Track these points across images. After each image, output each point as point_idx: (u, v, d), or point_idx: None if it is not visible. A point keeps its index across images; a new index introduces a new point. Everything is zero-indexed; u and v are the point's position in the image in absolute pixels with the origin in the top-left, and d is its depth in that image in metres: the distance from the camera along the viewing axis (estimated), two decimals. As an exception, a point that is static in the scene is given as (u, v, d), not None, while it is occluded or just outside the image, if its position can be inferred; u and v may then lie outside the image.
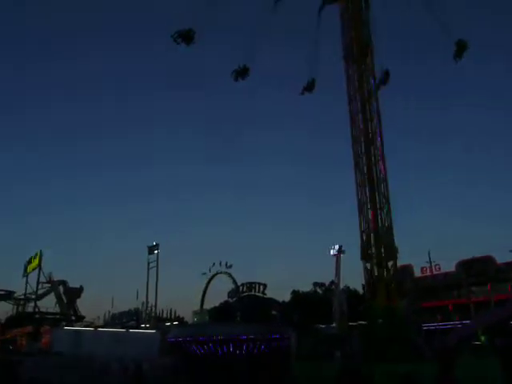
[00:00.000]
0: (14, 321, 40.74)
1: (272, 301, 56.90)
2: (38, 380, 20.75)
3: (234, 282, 57.58)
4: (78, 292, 49.32)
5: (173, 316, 60.32)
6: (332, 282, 62.06)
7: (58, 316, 45.87)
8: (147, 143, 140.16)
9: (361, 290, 53.28)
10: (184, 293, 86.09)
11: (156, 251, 53.98)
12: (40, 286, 47.30)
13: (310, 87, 37.98)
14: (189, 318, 65.80)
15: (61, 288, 48.84)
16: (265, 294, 54.39)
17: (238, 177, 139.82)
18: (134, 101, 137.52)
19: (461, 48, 32.11)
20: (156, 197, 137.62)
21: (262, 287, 54.35)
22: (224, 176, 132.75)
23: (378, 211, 33.34)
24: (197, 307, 62.51)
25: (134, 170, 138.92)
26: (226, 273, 58.93)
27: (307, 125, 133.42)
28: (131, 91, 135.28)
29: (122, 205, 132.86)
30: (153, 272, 52.83)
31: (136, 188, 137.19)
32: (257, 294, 54.50)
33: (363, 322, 37.49)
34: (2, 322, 42.83)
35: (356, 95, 35.54)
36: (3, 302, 47.22)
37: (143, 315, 53.42)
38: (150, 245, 54.74)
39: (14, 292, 47.92)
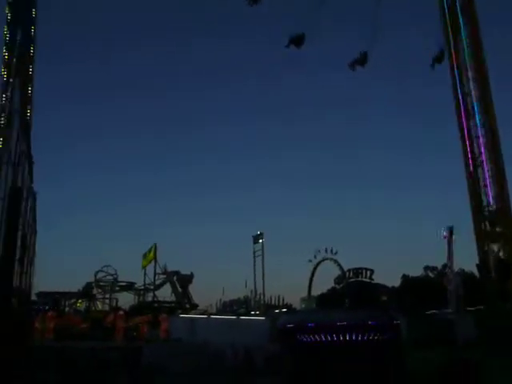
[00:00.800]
0: (136, 310, 43.94)
1: (380, 286, 55.47)
2: (158, 364, 22.15)
3: (341, 267, 56.98)
4: (189, 279, 52.15)
5: (281, 303, 61.22)
6: (445, 266, 58.91)
7: (173, 305, 48.78)
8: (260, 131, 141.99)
9: (476, 273, 49.94)
10: (290, 280, 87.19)
11: (261, 240, 55.21)
12: (157, 277, 50.51)
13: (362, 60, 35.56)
14: (297, 304, 66.44)
15: (175, 278, 51.84)
16: (372, 280, 53.16)
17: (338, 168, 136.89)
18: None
19: None
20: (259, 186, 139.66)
21: (369, 272, 53.23)
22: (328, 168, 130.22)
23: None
24: (304, 294, 62.90)
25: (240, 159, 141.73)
26: (331, 259, 58.50)
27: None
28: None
29: (225, 192, 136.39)
30: (259, 260, 54.09)
31: (240, 177, 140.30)
32: (364, 279, 53.44)
33: (482, 307, 35.13)
34: (126, 310, 46.24)
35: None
36: (125, 292, 51.14)
37: (252, 303, 54.88)
38: (255, 234, 56.14)
39: (135, 283, 51.65)
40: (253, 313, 50.59)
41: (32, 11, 22.95)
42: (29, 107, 24.15)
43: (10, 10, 23.03)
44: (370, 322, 14.74)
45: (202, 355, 23.59)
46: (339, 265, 57.17)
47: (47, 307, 38.34)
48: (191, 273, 52.78)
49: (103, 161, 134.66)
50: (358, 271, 53.80)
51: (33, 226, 21.81)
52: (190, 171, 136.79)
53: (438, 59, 36.06)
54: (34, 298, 36.15)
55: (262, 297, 54.72)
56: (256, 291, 54.65)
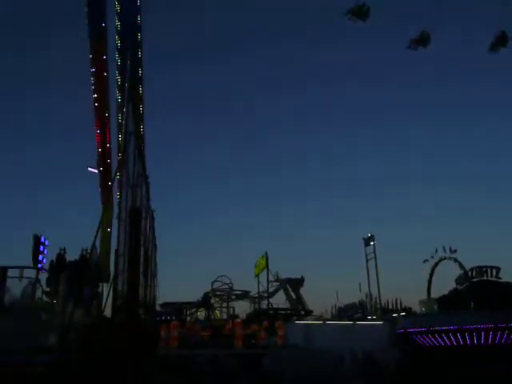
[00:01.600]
0: (252, 317, 44.96)
1: (510, 285, 51.06)
2: (278, 370, 22.47)
3: (462, 267, 53.44)
4: (300, 282, 52.30)
5: (398, 306, 58.88)
6: None
7: (289, 311, 49.16)
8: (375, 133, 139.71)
9: None
10: (406, 282, 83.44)
11: (372, 243, 53.87)
12: (270, 285, 51.32)
13: None
14: (415, 307, 63.48)
15: (288, 285, 52.33)
16: (499, 278, 49.07)
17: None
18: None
19: None
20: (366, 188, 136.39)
21: (494, 271, 49.22)
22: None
23: None
24: (422, 296, 59.81)
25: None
26: (450, 258, 55.11)
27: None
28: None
29: (329, 196, 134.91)
30: (371, 263, 52.69)
31: (346, 179, 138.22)
32: (490, 278, 49.51)
33: None
34: (243, 318, 47.55)
35: None
36: (241, 301, 52.63)
37: (368, 307, 53.50)
38: (366, 237, 54.91)
39: (249, 292, 52.94)
40: (369, 317, 49.35)
41: (138, 35, 24.70)
42: (142, 127, 25.91)
43: (119, 38, 24.98)
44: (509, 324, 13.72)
45: (321, 361, 23.50)
46: (460, 264, 53.66)
47: (171, 317, 40.71)
48: (301, 276, 52.92)
49: (207, 170, 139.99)
50: (482, 270, 50.04)
51: (153, 241, 23.34)
52: (296, 175, 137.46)
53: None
54: (158, 308, 38.59)
55: (377, 300, 53.24)
56: (371, 295, 53.34)
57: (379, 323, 39.35)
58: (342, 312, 55.32)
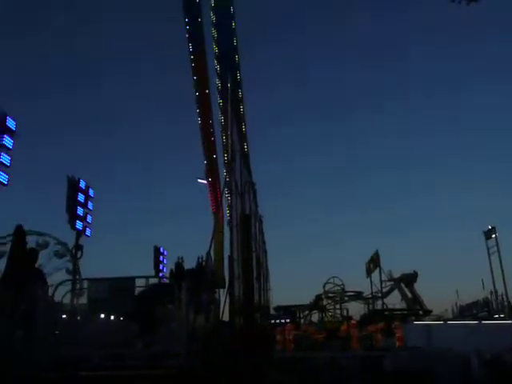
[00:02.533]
0: (367, 318, 43.97)
1: None
2: (399, 371, 21.78)
3: None
4: (413, 278, 50.19)
5: (529, 304, 54.11)
6: None
7: (405, 312, 47.35)
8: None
9: None
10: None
11: (494, 235, 50.31)
12: (383, 285, 49.88)
13: None
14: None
15: (402, 284, 50.48)
16: None
17: None
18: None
19: None
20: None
21: None
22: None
23: None
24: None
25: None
26: None
27: None
28: None
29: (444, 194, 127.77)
30: (494, 258, 49.10)
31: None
32: None
33: None
34: (358, 320, 46.72)
35: None
36: (354, 302, 51.73)
37: (494, 305, 49.87)
38: (486, 229, 51.40)
39: (362, 292, 51.86)
40: (496, 316, 45.95)
41: (235, 57, 25.69)
42: (245, 143, 26.84)
43: (218, 62, 26.16)
44: None
45: (444, 363, 22.41)
46: None
47: (285, 320, 41.19)
48: (414, 271, 50.76)
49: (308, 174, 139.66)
50: None
51: (262, 246, 23.90)
52: (405, 172, 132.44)
53: None
54: (272, 312, 39.31)
55: (504, 298, 49.39)
56: (496, 292, 49.62)
57: (509, 322, 36.53)
58: (465, 311, 52.16)
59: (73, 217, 28.55)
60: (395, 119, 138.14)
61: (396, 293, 51.15)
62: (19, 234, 23.20)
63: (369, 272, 52.21)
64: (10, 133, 19.92)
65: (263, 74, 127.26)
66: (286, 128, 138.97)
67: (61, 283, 16.94)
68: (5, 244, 23.52)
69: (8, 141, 19.71)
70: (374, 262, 50.46)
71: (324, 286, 50.95)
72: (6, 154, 19.64)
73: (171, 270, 23.50)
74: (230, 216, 18.80)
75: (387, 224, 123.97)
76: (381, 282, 49.10)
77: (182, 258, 23.13)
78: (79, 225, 29.09)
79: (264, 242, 25.59)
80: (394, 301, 50.03)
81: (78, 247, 28.84)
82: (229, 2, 25.67)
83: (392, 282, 51.41)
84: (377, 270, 49.53)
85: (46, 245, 24.25)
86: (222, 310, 15.63)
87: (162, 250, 32.42)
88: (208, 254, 20.08)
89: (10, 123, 19.90)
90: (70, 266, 25.69)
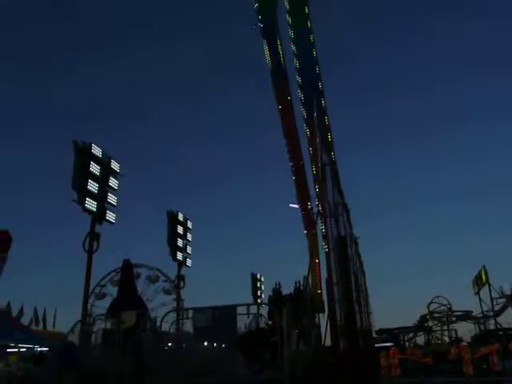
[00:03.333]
0: (479, 339, 41.07)
1: None
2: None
3: None
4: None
5: None
6: None
7: (524, 331, 43.58)
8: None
9: None
10: None
11: None
12: (495, 302, 46.47)
13: None
14: None
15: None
16: None
17: None
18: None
19: None
20: None
21: None
22: None
23: None
24: None
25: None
26: None
27: None
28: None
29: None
30: None
31: None
32: None
33: None
34: (469, 341, 43.83)
35: None
36: (463, 322, 48.58)
37: None
38: None
39: (471, 311, 48.71)
40: None
41: (319, 84, 26.02)
42: (332, 153, 26.63)
43: (303, 93, 26.62)
44: None
45: None
46: None
47: (389, 343, 39.65)
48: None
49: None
50: None
51: (360, 268, 23.35)
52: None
53: None
54: (374, 335, 38.05)
55: None
56: None
57: None
58: None
59: (174, 249, 29.96)
60: None
61: (510, 310, 47.30)
62: (127, 268, 24.81)
63: (477, 289, 49.01)
64: (115, 174, 21.58)
65: (346, 97, 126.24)
66: (377, 153, 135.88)
67: (167, 314, 17.85)
68: (116, 275, 25.25)
69: (114, 182, 21.33)
70: (481, 279, 47.34)
71: (428, 306, 48.49)
72: (113, 194, 21.23)
73: (269, 296, 23.73)
74: (326, 238, 18.69)
75: (494, 235, 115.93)
76: (491, 299, 45.78)
77: (279, 284, 23.26)
78: (180, 256, 30.45)
79: (361, 263, 25.01)
80: (510, 319, 46.33)
81: (180, 277, 30.10)
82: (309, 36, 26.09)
83: (504, 299, 47.66)
84: (486, 287, 46.38)
85: (156, 279, 25.60)
86: (323, 335, 15.46)
87: (259, 276, 32.89)
88: (306, 278, 20.03)
89: (115, 165, 21.56)
90: (174, 299, 26.91)
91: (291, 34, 26.23)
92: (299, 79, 26.22)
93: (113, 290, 24.43)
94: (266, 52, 26.83)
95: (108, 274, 25.19)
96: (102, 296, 24.86)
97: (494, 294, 46.35)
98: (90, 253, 19.42)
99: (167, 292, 26.27)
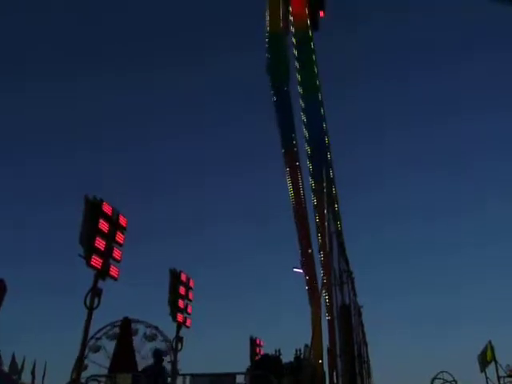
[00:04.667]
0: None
1: None
2: None
3: None
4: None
5: None
6: None
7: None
8: None
9: None
10: None
11: None
12: (502, 381, 44.75)
13: None
14: None
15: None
16: None
17: None
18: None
19: None
20: None
21: None
22: None
23: None
24: None
25: None
26: None
27: None
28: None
29: None
30: None
31: None
32: None
33: None
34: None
35: None
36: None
37: None
38: None
39: (478, 390, 46.84)
40: None
41: (327, 154, 26.60)
42: (339, 224, 26.76)
43: (312, 163, 27.16)
44: None
45: None
46: None
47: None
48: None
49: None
50: None
51: (363, 338, 22.90)
52: None
53: None
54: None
55: None
56: None
57: None
58: None
59: (174, 309, 29.49)
60: None
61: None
62: (125, 325, 24.43)
63: (483, 366, 47.26)
64: (122, 229, 21.69)
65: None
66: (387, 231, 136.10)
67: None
68: (112, 328, 24.80)
69: (120, 237, 21.43)
70: (487, 355, 45.80)
71: (432, 382, 46.65)
72: (119, 249, 21.26)
73: (256, 362, 23.06)
74: (329, 307, 18.50)
75: (501, 309, 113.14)
76: (498, 378, 43.96)
77: (279, 351, 22.71)
78: (180, 316, 29.89)
79: (364, 334, 24.53)
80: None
81: (179, 339, 29.40)
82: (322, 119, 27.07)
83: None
84: (492, 364, 44.71)
85: (152, 337, 25.08)
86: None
87: (258, 341, 32.08)
88: (307, 346, 19.65)
89: (123, 221, 21.73)
90: (168, 361, 26.29)
91: (301, 103, 27.13)
92: (308, 149, 26.84)
93: (107, 344, 23.92)
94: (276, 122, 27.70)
95: (104, 327, 24.74)
96: (96, 349, 24.26)
97: (502, 373, 44.72)
98: (91, 309, 19.19)
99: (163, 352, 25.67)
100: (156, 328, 26.35)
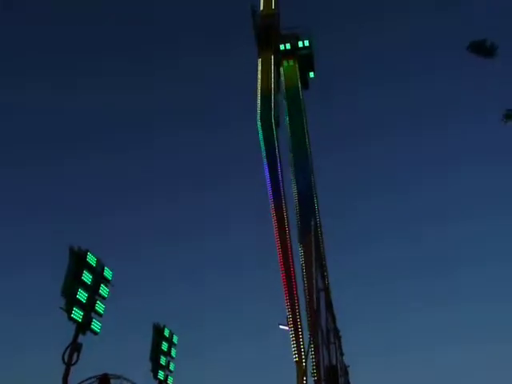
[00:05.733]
0: None
1: None
2: None
3: None
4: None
5: None
6: None
7: None
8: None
9: None
10: None
11: None
12: None
13: None
14: None
15: None
16: None
17: None
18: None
19: None
20: None
21: None
22: None
23: None
24: None
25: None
26: None
27: None
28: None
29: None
30: None
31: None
32: None
33: None
34: None
35: None
36: None
37: None
38: None
39: None
40: None
41: (316, 213, 26.89)
42: (327, 282, 26.54)
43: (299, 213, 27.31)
44: None
45: None
46: None
47: None
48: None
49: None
50: None
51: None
52: None
53: None
54: None
55: None
56: None
57: None
58: None
59: (156, 365, 28.48)
60: None
61: None
62: (104, 382, 23.38)
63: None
64: (106, 282, 21.24)
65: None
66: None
67: None
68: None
69: (104, 290, 20.95)
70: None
71: None
72: (101, 303, 20.72)
73: None
74: (315, 366, 17.93)
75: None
76: None
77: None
78: (161, 374, 28.80)
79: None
80: None
81: (160, 399, 28.21)
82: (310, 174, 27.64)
83: None
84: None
85: (132, 394, 24.01)
86: None
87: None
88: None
89: (107, 273, 21.34)
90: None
91: (291, 155, 27.86)
92: (296, 204, 27.13)
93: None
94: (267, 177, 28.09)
95: (81, 382, 23.74)
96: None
97: None
98: (69, 365, 18.51)
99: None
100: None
